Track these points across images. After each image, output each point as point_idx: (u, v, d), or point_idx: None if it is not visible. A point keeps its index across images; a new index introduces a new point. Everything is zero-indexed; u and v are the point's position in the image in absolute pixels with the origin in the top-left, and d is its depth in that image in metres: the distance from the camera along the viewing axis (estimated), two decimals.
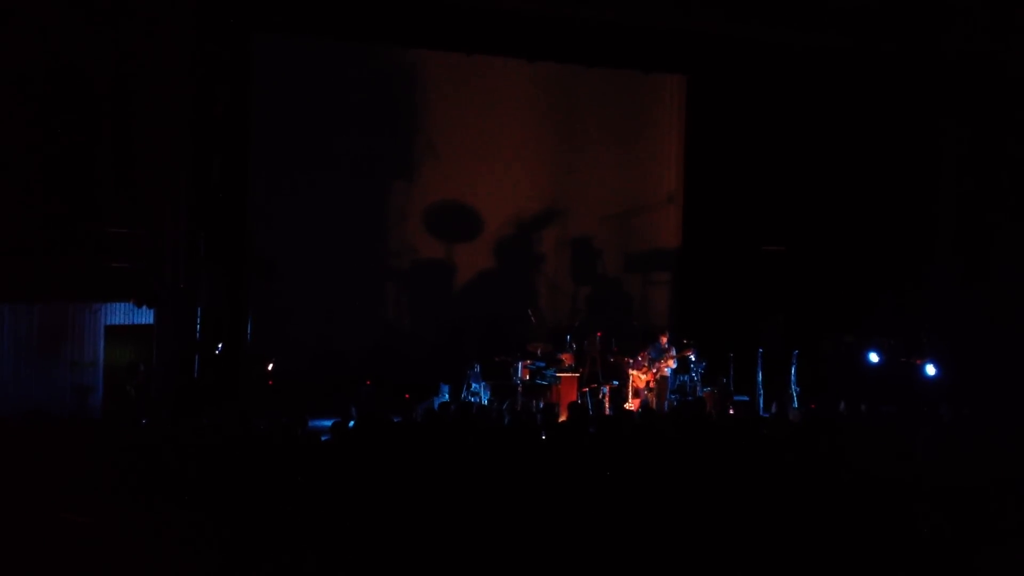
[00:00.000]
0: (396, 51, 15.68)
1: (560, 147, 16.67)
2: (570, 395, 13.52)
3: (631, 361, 14.21)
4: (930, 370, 13.59)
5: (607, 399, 14.02)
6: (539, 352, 14.21)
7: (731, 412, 13.20)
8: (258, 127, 14.50)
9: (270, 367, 13.64)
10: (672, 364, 14.04)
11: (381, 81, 15.84)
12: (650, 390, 13.92)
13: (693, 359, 14.15)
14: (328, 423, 9.08)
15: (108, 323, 12.48)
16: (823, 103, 15.94)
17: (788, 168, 16.17)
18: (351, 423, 9.15)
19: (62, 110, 12.12)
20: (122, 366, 12.01)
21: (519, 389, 13.66)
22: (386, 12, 14.40)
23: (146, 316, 12.87)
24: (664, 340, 14.19)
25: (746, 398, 14.41)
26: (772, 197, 16.25)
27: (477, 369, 13.92)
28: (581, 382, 13.99)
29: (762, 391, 14.25)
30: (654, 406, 13.42)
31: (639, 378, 14.02)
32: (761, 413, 13.64)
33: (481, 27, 14.92)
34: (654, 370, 13.97)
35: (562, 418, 11.67)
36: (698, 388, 13.98)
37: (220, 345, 13.28)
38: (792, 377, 14.14)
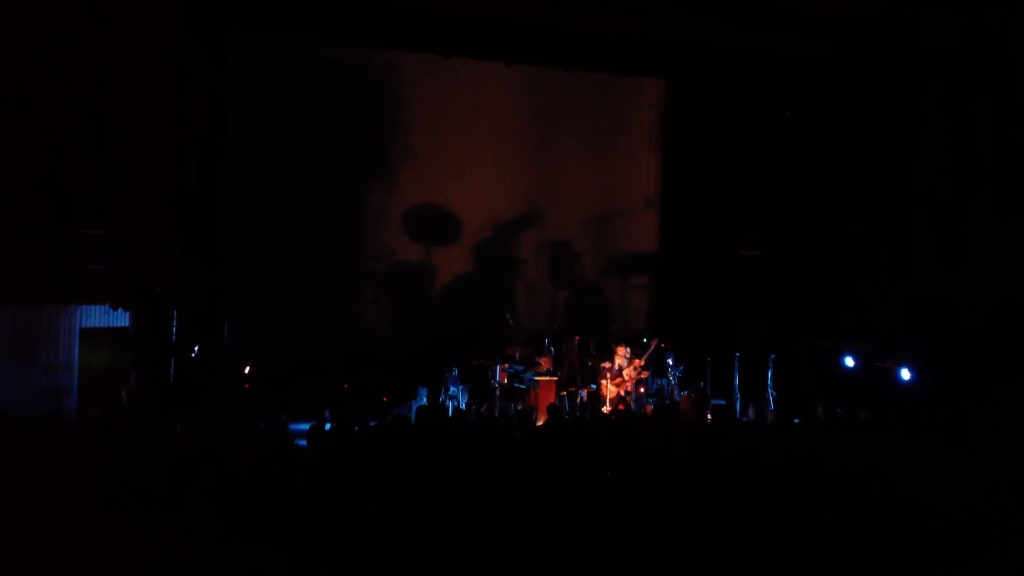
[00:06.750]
0: (374, 53, 15.67)
1: (538, 150, 16.69)
2: (548, 398, 13.50)
3: (606, 367, 14.16)
4: (905, 374, 13.69)
5: (584, 402, 14.01)
6: (517, 356, 14.20)
7: (708, 416, 13.23)
8: (236, 128, 14.44)
9: (247, 370, 13.56)
10: (639, 371, 14.02)
11: (359, 83, 15.81)
12: (628, 394, 13.92)
13: (671, 363, 14.18)
14: (305, 426, 9.06)
15: (83, 325, 12.38)
16: (799, 107, 16.06)
17: (765, 172, 16.31)
18: (327, 426, 9.13)
19: (38, 111, 12.01)
20: (102, 369, 11.92)
21: (497, 392, 13.65)
22: (364, 14, 14.39)
23: (121, 318, 12.79)
24: (622, 351, 14.09)
25: (723, 402, 14.45)
26: (749, 201, 16.38)
27: (455, 372, 13.90)
28: (559, 386, 13.98)
29: (739, 395, 14.30)
30: (623, 408, 13.43)
31: (606, 387, 13.98)
32: (738, 416, 13.67)
33: (459, 30, 14.95)
34: (625, 377, 13.95)
35: (541, 421, 11.68)
36: (675, 392, 14.02)
37: (196, 348, 13.20)
38: (769, 381, 14.19)
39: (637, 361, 14.03)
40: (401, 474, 6.99)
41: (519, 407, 13.24)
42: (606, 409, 13.79)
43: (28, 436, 7.84)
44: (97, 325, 12.55)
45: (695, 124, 16.70)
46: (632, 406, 13.64)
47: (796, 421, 10.78)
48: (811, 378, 14.31)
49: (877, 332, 14.61)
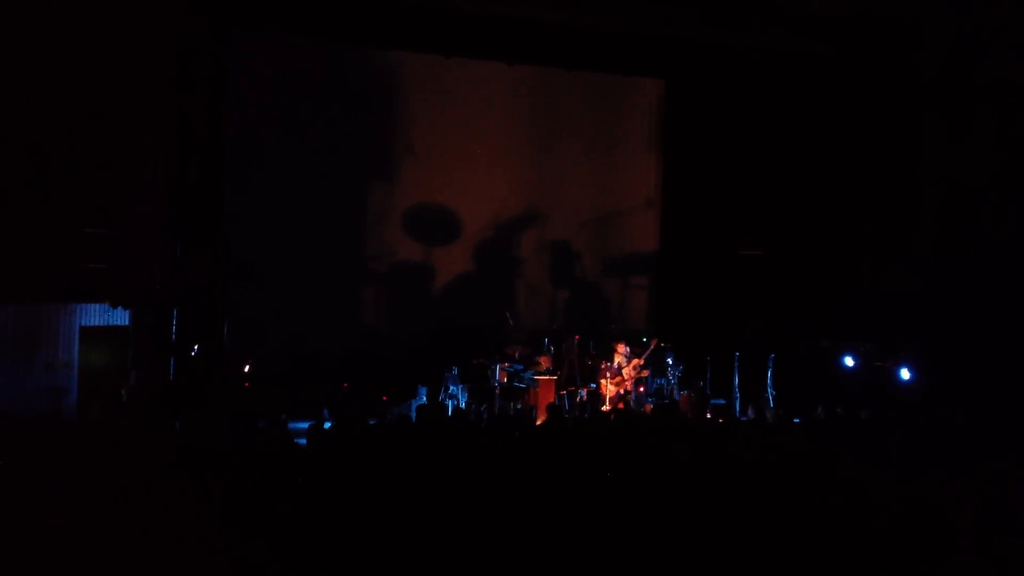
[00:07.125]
0: (375, 52, 15.66)
1: (539, 150, 16.69)
2: (548, 398, 13.51)
3: (605, 366, 14.17)
4: (905, 374, 13.69)
5: (584, 401, 14.03)
6: (517, 355, 14.20)
7: (708, 415, 13.24)
8: (236, 127, 14.43)
9: (246, 369, 13.56)
10: (639, 370, 14.01)
11: (360, 83, 15.81)
12: (627, 393, 13.93)
13: (670, 362, 14.19)
14: (305, 425, 9.07)
15: (83, 324, 12.39)
16: (800, 107, 16.08)
17: (765, 172, 16.31)
18: (326, 425, 9.13)
19: (38, 110, 12.01)
20: (102, 368, 11.93)
21: (497, 392, 13.66)
22: (365, 13, 14.39)
23: (121, 317, 12.79)
24: (622, 348, 14.14)
25: (723, 401, 14.46)
26: (749, 201, 16.39)
27: (455, 371, 13.92)
28: (559, 385, 13.98)
29: (739, 394, 14.31)
30: (623, 407, 13.44)
31: (605, 386, 13.99)
32: (738, 416, 13.68)
33: (460, 30, 14.95)
34: (625, 376, 13.95)
35: (540, 420, 11.67)
36: (675, 391, 14.03)
37: (196, 347, 13.19)
38: (769, 381, 14.20)
39: (636, 360, 14.03)
40: (401, 473, 6.99)
41: (519, 406, 13.25)
42: (605, 408, 13.80)
43: (28, 435, 7.83)
44: (97, 324, 12.56)
45: (695, 124, 16.70)
46: (632, 405, 13.66)
47: (796, 421, 10.79)
48: (811, 378, 14.31)
49: (877, 332, 14.61)
